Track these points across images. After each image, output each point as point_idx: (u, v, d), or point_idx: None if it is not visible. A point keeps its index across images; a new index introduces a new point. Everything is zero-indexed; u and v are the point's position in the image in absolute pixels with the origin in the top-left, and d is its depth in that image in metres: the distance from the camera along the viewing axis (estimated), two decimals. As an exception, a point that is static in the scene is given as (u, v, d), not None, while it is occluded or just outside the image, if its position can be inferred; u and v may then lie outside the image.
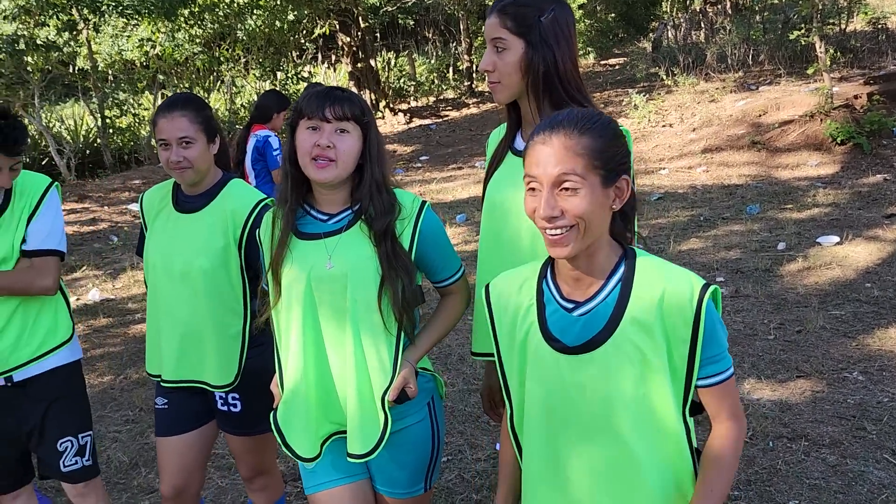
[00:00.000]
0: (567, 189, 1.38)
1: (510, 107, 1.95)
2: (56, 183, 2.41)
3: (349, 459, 1.87)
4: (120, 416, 4.19)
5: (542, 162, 1.38)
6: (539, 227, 1.43)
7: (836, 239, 5.86)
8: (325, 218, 1.86)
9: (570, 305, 1.47)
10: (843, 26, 11.91)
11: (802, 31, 9.71)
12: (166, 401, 2.37)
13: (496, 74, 1.84)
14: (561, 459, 1.49)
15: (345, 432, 1.88)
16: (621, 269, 1.46)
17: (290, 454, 1.89)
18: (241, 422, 2.30)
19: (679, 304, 1.39)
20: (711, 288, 1.40)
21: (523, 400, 1.55)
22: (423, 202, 1.89)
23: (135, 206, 9.35)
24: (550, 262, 1.55)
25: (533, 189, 1.42)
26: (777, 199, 7.20)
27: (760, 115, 9.53)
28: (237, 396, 2.29)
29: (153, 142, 12.82)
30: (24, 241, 2.29)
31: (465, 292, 2.02)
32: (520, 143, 1.94)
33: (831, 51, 10.04)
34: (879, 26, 11.87)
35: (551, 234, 1.39)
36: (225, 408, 2.31)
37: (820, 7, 11.02)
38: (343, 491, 1.90)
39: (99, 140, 12.32)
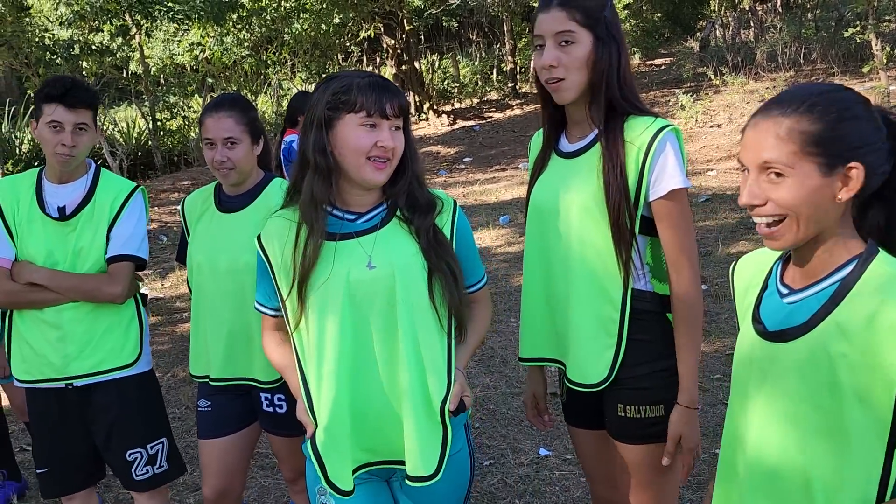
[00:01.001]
0: (773, 177, 1.25)
1: (550, 108, 1.91)
2: (142, 188, 2.43)
3: (409, 483, 1.69)
4: (168, 412, 4.26)
5: (748, 146, 1.28)
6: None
7: None
8: (353, 217, 1.71)
9: (784, 290, 1.35)
10: (900, 23, 11.56)
11: (857, 28, 9.44)
12: (209, 403, 2.39)
13: (561, 70, 1.75)
14: (733, 442, 1.40)
15: (381, 463, 1.74)
16: (848, 269, 1.27)
17: (329, 489, 1.69)
18: (286, 423, 2.30)
19: (892, 327, 1.18)
20: None
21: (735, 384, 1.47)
22: (455, 201, 1.81)
23: (183, 207, 9.55)
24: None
25: (745, 174, 1.31)
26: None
27: (813, 115, 9.29)
28: (283, 397, 2.30)
29: (202, 144, 13.15)
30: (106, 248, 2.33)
31: (489, 300, 1.94)
32: (565, 145, 1.90)
33: (888, 48, 9.73)
34: (939, 22, 11.49)
35: (759, 225, 1.30)
36: (270, 409, 2.33)
37: (875, 3, 10.71)
38: None
39: (150, 142, 12.62)
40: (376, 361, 1.67)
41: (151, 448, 2.41)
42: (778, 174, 1.24)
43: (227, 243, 2.26)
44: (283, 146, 5.04)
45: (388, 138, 1.63)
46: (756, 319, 1.38)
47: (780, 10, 16.13)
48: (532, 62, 1.89)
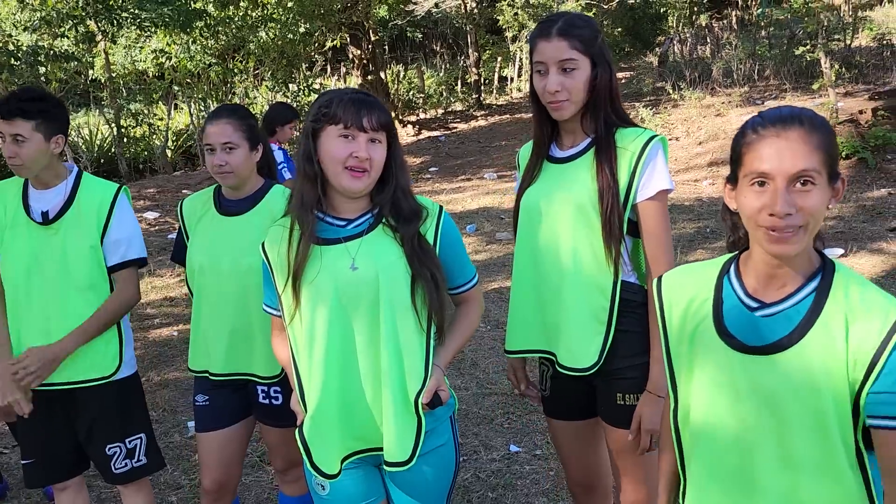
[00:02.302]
0: (804, 185, 1.30)
1: (542, 121, 2.09)
2: (125, 187, 2.51)
3: (386, 468, 1.83)
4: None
5: (779, 156, 1.30)
6: (761, 225, 1.33)
7: (841, 251, 5.98)
8: (343, 223, 1.84)
9: (754, 304, 1.40)
10: (847, 42, 12.06)
11: (808, 46, 9.86)
12: (207, 398, 2.49)
13: (565, 93, 1.95)
14: (715, 451, 1.45)
15: (368, 451, 1.86)
16: (819, 278, 1.37)
17: (313, 472, 1.83)
18: (281, 414, 2.41)
19: (871, 327, 1.29)
20: None
21: (689, 395, 1.50)
22: (441, 207, 1.93)
23: (150, 215, 9.50)
24: (735, 260, 1.48)
25: (761, 185, 1.32)
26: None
27: (766, 130, 9.64)
28: (279, 390, 2.41)
29: (167, 152, 13.05)
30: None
31: (480, 300, 2.05)
32: (557, 152, 2.09)
33: (836, 66, 10.18)
34: (884, 42, 12.02)
35: (777, 231, 1.31)
36: (266, 401, 2.44)
37: (825, 23, 11.18)
38: None
39: (114, 149, 12.53)
40: (361, 356, 1.80)
41: (130, 442, 2.50)
42: (808, 182, 1.29)
43: (230, 246, 2.37)
44: None
45: (363, 149, 1.75)
46: (725, 334, 1.42)
47: (736, 27, 16.65)
48: (532, 80, 2.04)
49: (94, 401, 2.44)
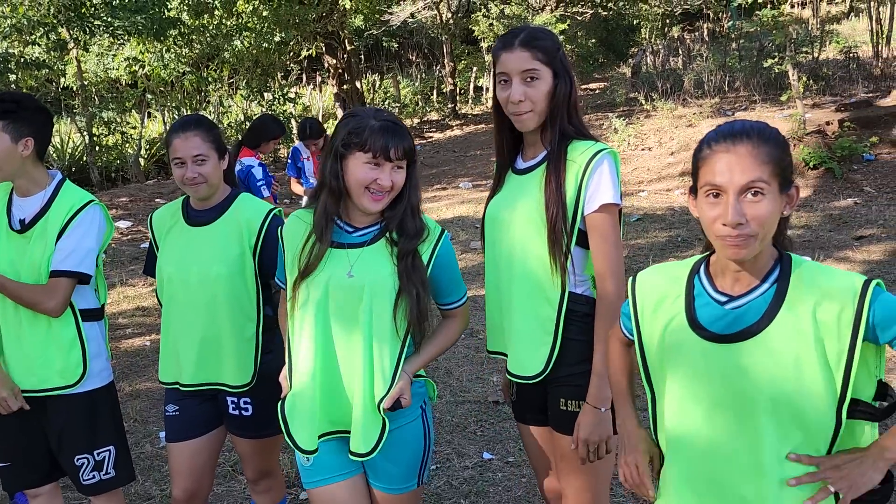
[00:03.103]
0: (754, 196, 1.40)
1: (503, 133, 2.14)
2: (98, 202, 2.44)
3: (351, 457, 2.00)
4: (115, 427, 4.28)
5: (729, 170, 1.41)
6: (717, 234, 1.44)
7: (809, 260, 6.07)
8: (351, 230, 1.99)
9: (723, 298, 1.51)
10: (815, 55, 12.31)
11: (776, 59, 10.05)
12: (177, 407, 2.48)
13: (528, 103, 1.99)
14: (696, 436, 1.52)
15: (342, 432, 2.01)
16: (778, 270, 1.49)
17: (290, 443, 2.00)
18: (251, 425, 2.42)
19: (839, 304, 1.41)
20: (874, 282, 1.42)
21: (664, 388, 1.58)
22: (443, 230, 2.05)
23: (122, 224, 9.42)
24: (705, 260, 1.59)
25: (716, 196, 1.43)
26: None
27: (736, 140, 9.81)
28: (249, 400, 2.42)
29: (140, 160, 12.95)
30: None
31: (466, 318, 2.18)
32: (520, 163, 2.13)
33: (804, 78, 10.38)
34: (850, 55, 12.29)
35: (731, 238, 1.41)
36: (236, 412, 2.44)
37: (794, 36, 11.41)
38: (340, 486, 2.04)
39: (86, 158, 12.40)
40: (340, 354, 1.97)
41: (98, 454, 2.48)
42: (758, 193, 1.40)
43: (198, 256, 2.38)
44: (238, 168, 5.02)
45: (387, 178, 1.91)
46: (697, 326, 1.52)
47: (707, 39, 16.93)
48: (495, 91, 2.08)
49: (63, 410, 2.42)
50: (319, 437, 2.01)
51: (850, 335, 1.41)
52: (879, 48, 11.71)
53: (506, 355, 2.17)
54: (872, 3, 11.92)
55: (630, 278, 1.70)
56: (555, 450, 2.14)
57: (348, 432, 2.00)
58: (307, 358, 1.98)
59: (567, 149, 2.01)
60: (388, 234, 1.98)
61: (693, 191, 1.53)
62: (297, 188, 6.26)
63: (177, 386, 2.46)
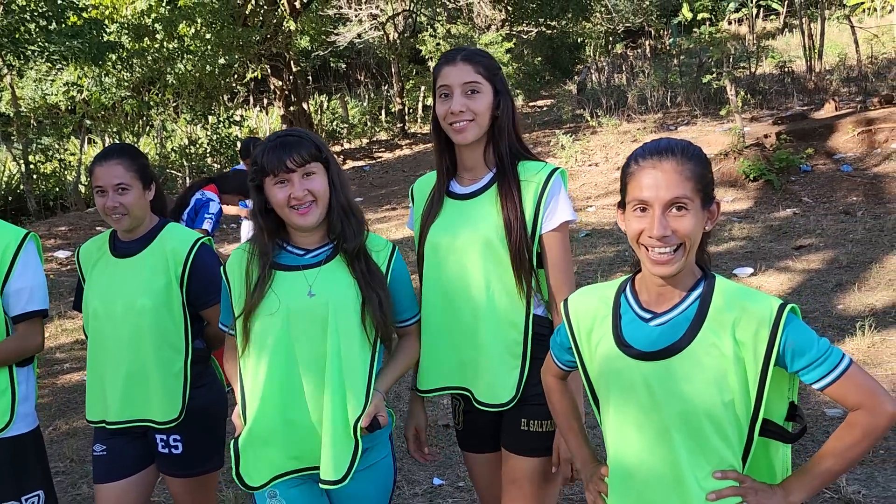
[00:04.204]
0: (678, 210, 1.46)
1: (442, 154, 2.09)
2: (33, 234, 2.39)
3: (322, 486, 1.90)
4: (50, 467, 4.10)
5: (655, 185, 1.46)
6: (643, 247, 1.49)
7: (751, 270, 6.21)
8: (302, 252, 1.96)
9: (647, 315, 1.55)
10: (752, 70, 12.67)
11: (715, 74, 10.30)
12: (105, 447, 2.37)
13: (469, 114, 1.97)
14: (629, 455, 1.55)
15: (307, 469, 1.92)
16: (701, 287, 1.53)
17: (237, 482, 1.90)
18: (182, 463, 2.33)
19: (755, 325, 1.45)
20: (789, 307, 1.46)
21: (608, 408, 1.60)
22: (394, 245, 2.04)
23: (61, 254, 9.14)
24: (631, 280, 1.62)
25: (642, 211, 1.48)
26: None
27: (679, 154, 10.01)
28: (178, 438, 2.32)
29: (80, 188, 12.63)
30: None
31: (419, 335, 2.11)
32: (458, 188, 2.09)
33: (742, 93, 10.66)
34: (785, 70, 12.68)
35: (659, 254, 1.47)
36: (166, 450, 2.34)
37: (731, 52, 11.73)
38: None
39: (23, 186, 12.02)
40: (305, 377, 1.90)
41: (26, 500, 2.37)
42: (682, 208, 1.46)
43: (123, 288, 2.29)
44: (199, 196, 4.93)
45: (299, 189, 1.88)
46: (623, 345, 1.55)
47: (649, 56, 17.32)
48: (435, 109, 2.06)
49: None
50: (282, 475, 1.92)
51: (763, 358, 1.45)
52: (812, 63, 12.11)
53: (458, 389, 2.10)
54: (804, 20, 12.33)
55: (562, 303, 1.71)
56: (506, 473, 2.08)
57: (314, 468, 1.92)
58: (263, 387, 1.89)
59: (518, 169, 2.01)
60: (342, 250, 1.95)
61: (621, 205, 1.58)
62: (230, 209, 6.13)
63: (104, 424, 2.36)
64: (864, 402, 1.45)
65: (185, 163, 13.38)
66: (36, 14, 10.19)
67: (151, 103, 13.42)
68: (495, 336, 2.00)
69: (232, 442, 1.92)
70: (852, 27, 12.19)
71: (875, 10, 15.18)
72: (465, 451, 2.23)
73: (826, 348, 1.46)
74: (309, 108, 16.55)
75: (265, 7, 14.56)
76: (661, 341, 1.51)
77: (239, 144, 13.71)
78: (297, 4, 15.27)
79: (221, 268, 2.02)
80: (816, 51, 12.10)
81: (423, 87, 18.62)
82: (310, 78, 22.28)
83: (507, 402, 2.01)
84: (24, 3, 10.20)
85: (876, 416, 1.45)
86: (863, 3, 12.12)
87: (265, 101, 19.60)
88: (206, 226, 4.80)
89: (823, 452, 1.50)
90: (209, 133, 14.37)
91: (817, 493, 1.55)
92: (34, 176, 12.12)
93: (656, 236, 1.45)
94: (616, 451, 1.58)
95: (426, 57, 17.13)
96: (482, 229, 1.99)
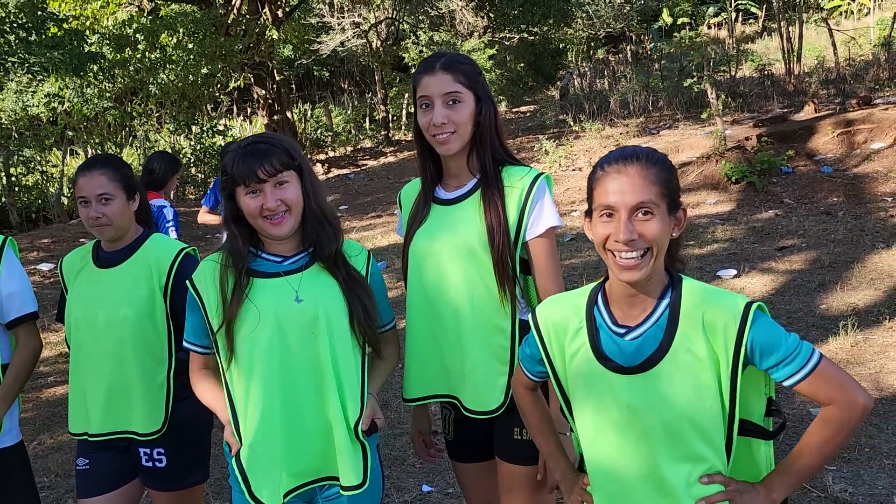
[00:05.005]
0: (644, 215, 1.46)
1: (426, 161, 2.08)
2: (9, 238, 2.40)
3: (343, 493, 1.88)
4: (36, 482, 4.05)
5: (621, 190, 1.47)
6: (610, 253, 1.49)
7: (734, 272, 6.26)
8: (280, 259, 1.92)
9: (621, 330, 1.55)
10: (732, 73, 12.79)
11: (695, 78, 10.39)
12: (88, 461, 2.35)
13: (451, 125, 1.95)
14: (611, 466, 1.54)
15: (309, 484, 1.90)
16: (669, 294, 1.53)
17: (253, 502, 1.83)
18: (166, 477, 2.31)
19: (723, 325, 1.46)
20: (755, 305, 1.47)
21: (584, 418, 1.60)
22: (369, 251, 2.02)
23: (44, 266, 9.06)
24: (601, 288, 1.61)
25: (609, 216, 1.48)
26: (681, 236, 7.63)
27: (662, 158, 10.09)
28: (162, 451, 2.31)
29: (63, 199, 12.53)
30: None
31: (396, 341, 2.11)
32: (443, 194, 2.07)
33: (723, 96, 10.76)
34: (765, 73, 12.81)
35: (626, 259, 1.46)
36: (150, 464, 2.32)
37: (712, 56, 11.84)
38: None
39: (4, 199, 11.92)
40: (304, 384, 1.85)
41: None
42: (648, 212, 1.46)
43: (105, 298, 2.28)
44: (153, 211, 4.90)
45: (272, 199, 1.83)
46: (603, 358, 1.54)
47: (630, 61, 17.43)
48: (416, 118, 2.02)
49: None
50: (285, 495, 1.87)
51: (732, 357, 1.46)
52: (791, 65, 12.24)
53: (445, 397, 2.08)
54: (783, 23, 12.46)
55: (530, 314, 1.70)
56: (502, 482, 2.07)
57: (316, 482, 1.90)
58: (261, 400, 1.83)
59: (501, 174, 1.99)
60: (319, 256, 1.92)
61: (588, 213, 1.58)
62: (205, 217, 6.07)
63: (86, 437, 2.34)
64: (835, 397, 1.46)
65: (169, 173, 13.27)
66: (16, 25, 10.11)
67: (134, 114, 13.35)
68: (480, 342, 1.99)
69: (234, 461, 1.86)
70: (830, 30, 12.34)
71: (852, 12, 15.39)
72: (455, 462, 2.22)
73: (795, 346, 1.46)
74: (293, 116, 16.52)
75: (247, 16, 14.54)
76: (638, 355, 1.51)
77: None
78: (280, 13, 15.26)
79: (188, 280, 1.93)
80: (795, 54, 12.23)
81: (406, 95, 18.63)
82: (293, 86, 22.24)
83: (496, 408, 2.00)
84: (4, 15, 10.13)
85: (849, 409, 1.45)
86: (840, 6, 12.28)
87: (249, 110, 19.54)
88: (173, 235, 4.78)
89: (801, 449, 1.51)
90: (192, 143, 14.30)
91: (798, 488, 1.57)
92: (16, 188, 12.01)
93: (623, 240, 1.45)
94: (596, 460, 1.58)
95: (409, 64, 17.16)
96: (464, 235, 1.98)
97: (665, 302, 1.53)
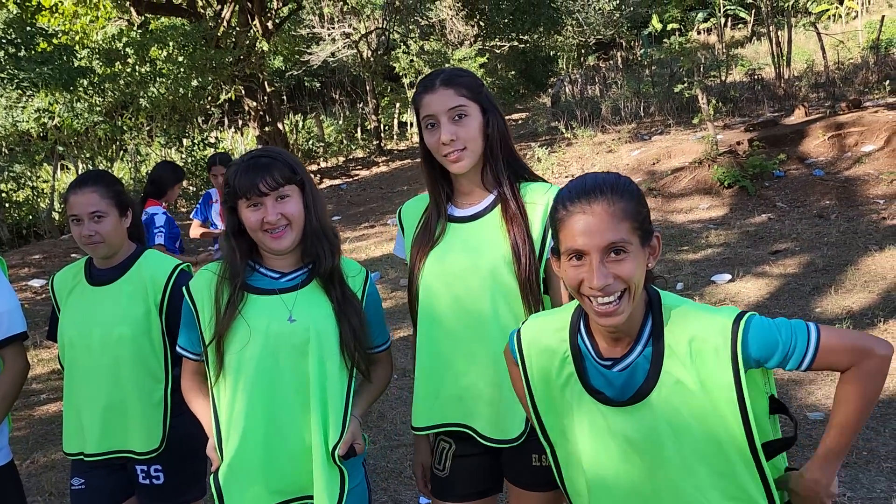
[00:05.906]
0: (617, 254, 1.37)
1: (438, 183, 1.97)
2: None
3: None
4: (29, 501, 4.01)
5: (589, 232, 1.36)
6: (585, 296, 1.40)
7: (729, 276, 6.26)
8: (277, 276, 1.91)
9: (607, 363, 1.48)
10: (723, 78, 12.83)
11: (686, 84, 10.42)
12: (83, 481, 2.32)
13: (460, 142, 1.85)
14: (617, 485, 1.48)
15: (288, 502, 1.87)
16: (650, 321, 1.46)
17: None
18: (164, 494, 2.29)
19: (712, 349, 1.39)
20: (744, 319, 1.40)
21: (569, 452, 1.55)
22: (368, 271, 2.01)
23: (35, 282, 9.00)
24: (582, 314, 1.53)
25: (579, 260, 1.39)
26: (674, 241, 7.62)
27: (654, 164, 10.11)
28: (159, 468, 2.28)
29: (54, 215, 12.47)
30: None
31: (391, 361, 2.09)
32: (455, 211, 1.96)
33: (714, 101, 10.78)
34: (755, 77, 12.85)
35: (603, 305, 1.38)
36: (147, 481, 2.29)
37: (702, 61, 11.88)
38: None
39: (-6, 215, 11.86)
40: (288, 405, 1.84)
41: None
42: (620, 251, 1.37)
43: (100, 316, 2.25)
44: (144, 217, 4.90)
45: (273, 213, 1.83)
46: (593, 391, 1.48)
47: (621, 67, 17.49)
48: (422, 140, 1.93)
49: None
50: None
51: (731, 373, 1.39)
52: (781, 69, 12.28)
53: (456, 426, 1.95)
54: (772, 28, 12.53)
55: (513, 334, 1.64)
56: None
57: (297, 500, 1.88)
58: (244, 417, 1.82)
59: (520, 191, 1.90)
60: (318, 274, 1.90)
61: (555, 251, 1.47)
62: (197, 231, 6.04)
63: (81, 457, 2.31)
64: (853, 360, 1.41)
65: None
66: (4, 41, 10.09)
67: (125, 128, 13.31)
68: (504, 367, 1.80)
69: (212, 477, 1.85)
70: (818, 34, 12.40)
71: (840, 16, 15.49)
72: (441, 500, 2.04)
73: (790, 336, 1.41)
74: (284, 127, 16.51)
75: (237, 28, 14.53)
76: (628, 388, 1.46)
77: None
78: (270, 25, 15.27)
79: (185, 288, 1.93)
80: (784, 58, 12.28)
81: (397, 104, 18.66)
82: (284, 98, 22.25)
83: (517, 437, 1.88)
84: (-7, 31, 10.11)
85: (867, 364, 1.41)
86: (828, 10, 12.35)
87: (240, 122, 19.52)
88: (159, 240, 4.76)
89: (832, 422, 1.46)
90: (184, 156, 14.28)
91: (847, 453, 1.51)
92: (6, 204, 11.95)
93: (597, 287, 1.36)
94: (599, 478, 1.52)
95: (400, 74, 17.18)
96: (488, 255, 1.87)
97: (647, 329, 1.46)
